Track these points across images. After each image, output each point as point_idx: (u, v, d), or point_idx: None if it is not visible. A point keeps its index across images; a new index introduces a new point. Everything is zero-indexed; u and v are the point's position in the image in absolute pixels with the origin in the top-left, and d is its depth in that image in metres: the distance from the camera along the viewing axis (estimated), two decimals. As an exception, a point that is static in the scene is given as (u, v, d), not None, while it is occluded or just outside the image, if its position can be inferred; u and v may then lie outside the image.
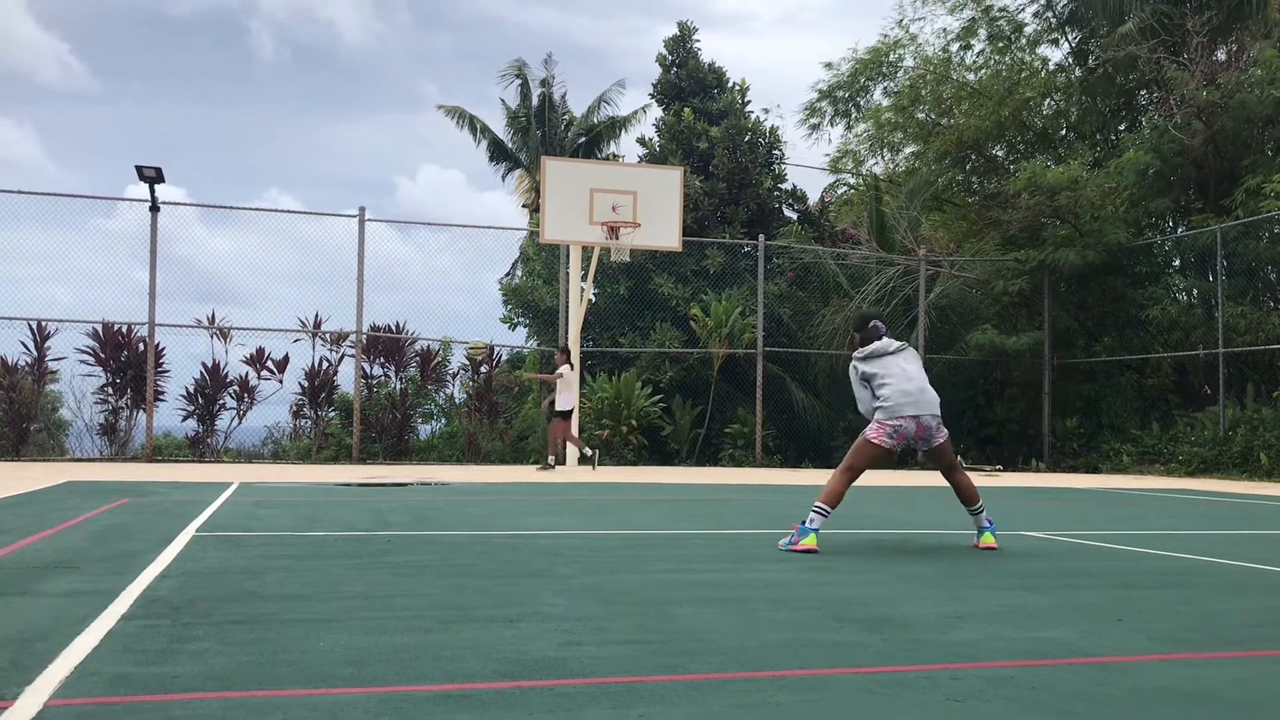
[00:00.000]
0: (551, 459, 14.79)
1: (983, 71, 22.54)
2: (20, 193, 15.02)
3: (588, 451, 14.92)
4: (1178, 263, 20.24)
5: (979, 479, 14.95)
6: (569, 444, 15.11)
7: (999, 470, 17.60)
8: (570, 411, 14.83)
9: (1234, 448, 16.02)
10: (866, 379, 5.82)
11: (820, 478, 14.34)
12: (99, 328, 15.86)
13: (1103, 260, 17.99)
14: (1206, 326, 17.60)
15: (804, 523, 5.53)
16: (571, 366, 14.96)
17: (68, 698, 2.45)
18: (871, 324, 6.01)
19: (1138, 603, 4.13)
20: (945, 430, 5.77)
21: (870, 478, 14.76)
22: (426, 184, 66.68)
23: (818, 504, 5.57)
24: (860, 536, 6.49)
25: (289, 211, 18.39)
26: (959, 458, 18.38)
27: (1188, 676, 2.89)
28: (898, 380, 5.70)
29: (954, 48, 22.66)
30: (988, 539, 5.81)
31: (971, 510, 5.85)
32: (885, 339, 5.92)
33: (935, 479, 14.55)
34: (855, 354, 5.95)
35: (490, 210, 66.84)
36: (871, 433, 5.68)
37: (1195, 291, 19.10)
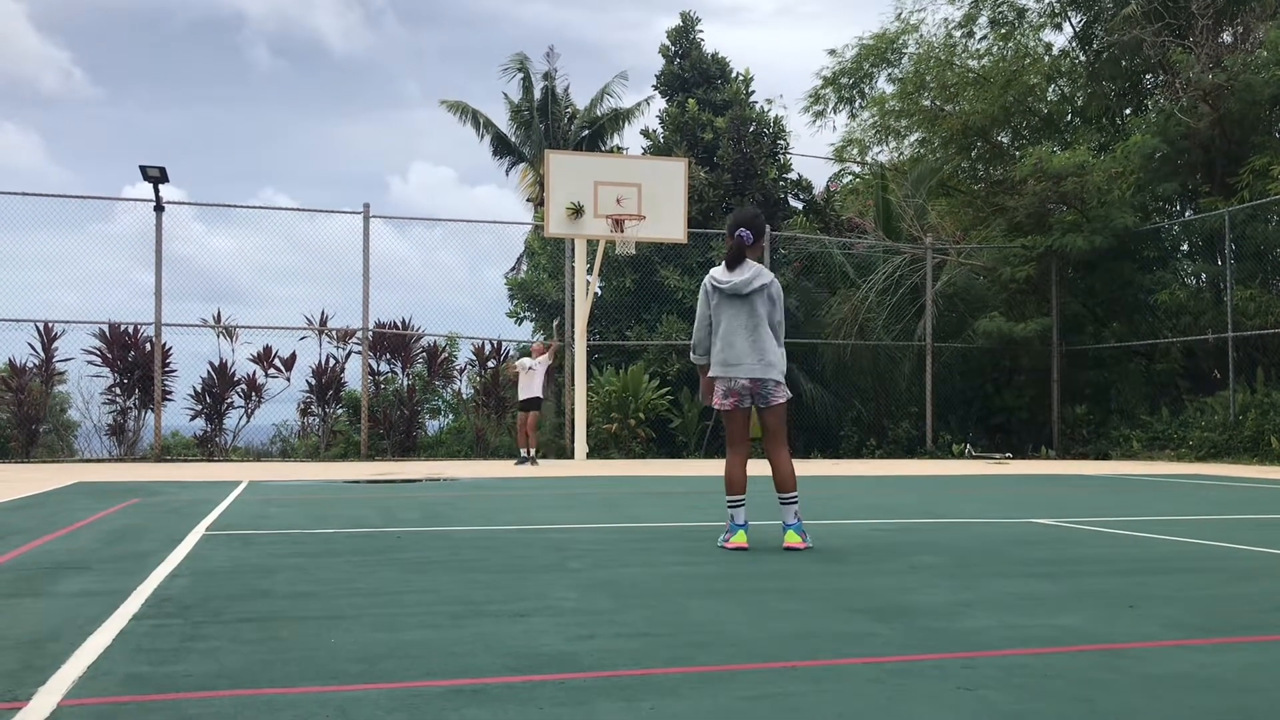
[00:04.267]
0: (523, 452, 14.43)
1: (986, 58, 22.45)
2: (26, 194, 15.07)
3: (524, 453, 14.43)
4: (1186, 247, 20.17)
5: (988, 467, 14.92)
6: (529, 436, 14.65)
7: (1009, 458, 17.57)
8: (529, 402, 14.42)
9: (1244, 432, 15.97)
10: (711, 311, 5.24)
11: (829, 468, 14.32)
12: (105, 328, 15.90)
13: (1110, 245, 17.92)
14: (1215, 310, 17.53)
15: (731, 520, 5.22)
16: (551, 357, 14.71)
17: (81, 698, 2.46)
18: (740, 233, 5.23)
19: (1149, 589, 4.12)
20: (785, 393, 5.23)
21: (878, 468, 14.75)
22: (418, 181, 66.76)
23: (729, 498, 5.22)
24: (868, 526, 6.48)
25: (293, 209, 18.43)
26: (968, 446, 18.38)
27: (1200, 662, 2.88)
28: (731, 332, 5.17)
29: (957, 34, 22.58)
30: (791, 538, 5.17)
31: (782, 499, 5.23)
32: (754, 268, 5.21)
33: (943, 469, 14.53)
34: (712, 276, 5.27)
35: (482, 205, 66.82)
36: (715, 399, 5.25)
37: (1204, 275, 19.03)
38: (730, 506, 5.25)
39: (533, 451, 14.46)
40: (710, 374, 5.29)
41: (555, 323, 15.32)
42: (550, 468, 13.84)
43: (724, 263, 5.30)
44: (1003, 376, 19.61)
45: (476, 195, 62.19)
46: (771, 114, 21.45)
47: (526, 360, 14.66)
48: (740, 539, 5.17)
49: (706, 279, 5.34)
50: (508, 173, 31.34)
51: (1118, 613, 3.60)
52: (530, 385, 14.37)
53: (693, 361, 5.52)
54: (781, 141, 21.48)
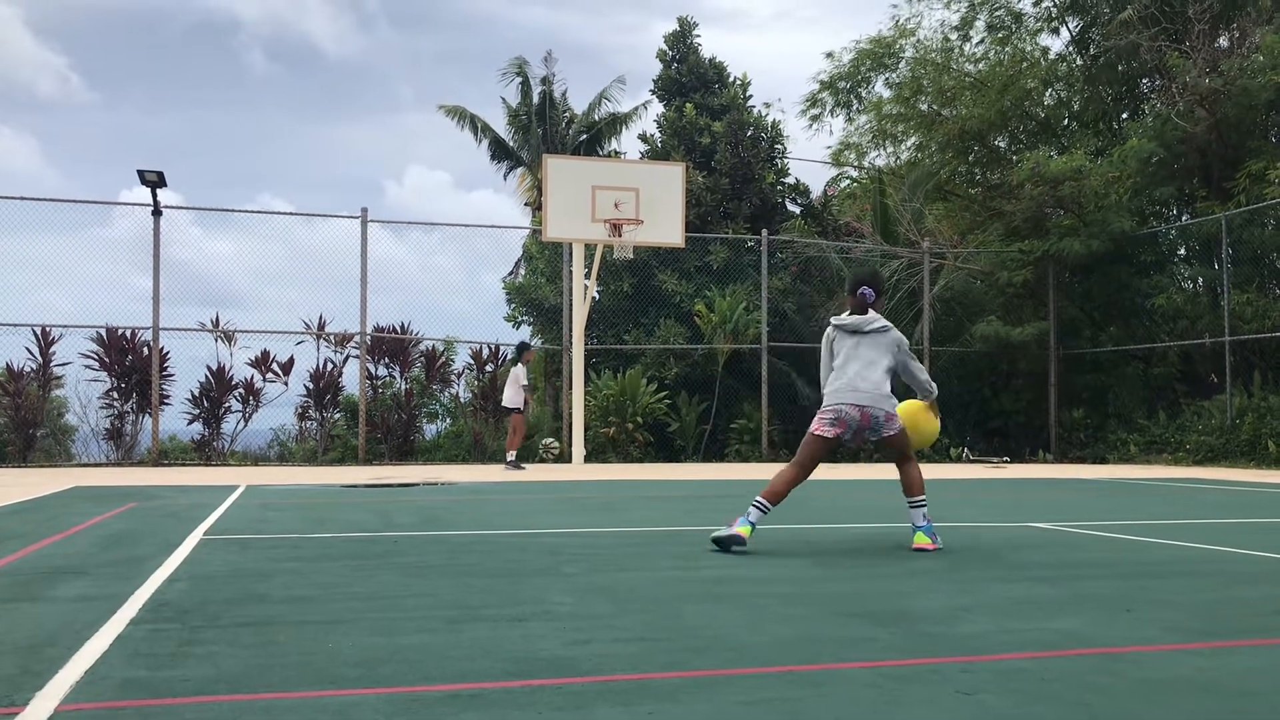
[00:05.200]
0: (511, 454, 14.37)
1: (983, 62, 22.49)
2: (24, 199, 15.05)
3: (510, 457, 14.38)
4: (1183, 251, 20.20)
5: (985, 471, 14.93)
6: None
7: (1006, 462, 17.58)
8: (511, 410, 14.40)
9: (1241, 436, 15.99)
10: (832, 350, 5.52)
11: (826, 472, 14.32)
12: (103, 332, 15.88)
13: (1107, 249, 17.94)
14: (1212, 314, 17.56)
15: (745, 515, 5.29)
16: (525, 364, 14.62)
17: (78, 702, 2.46)
18: (861, 290, 5.56)
19: (1147, 593, 4.12)
20: (899, 424, 5.43)
21: (875, 471, 14.75)
22: (414, 186, 66.85)
23: (758, 498, 5.31)
24: (866, 530, 6.48)
25: (291, 214, 18.43)
26: (965, 450, 18.40)
27: (1198, 666, 2.88)
28: (846, 364, 5.41)
29: (953, 38, 22.62)
30: (920, 539, 5.37)
31: (911, 503, 5.45)
32: (873, 314, 5.52)
33: (941, 473, 14.53)
34: (834, 319, 5.62)
35: (479, 209, 66.91)
36: (814, 424, 5.44)
37: (1200, 279, 19.06)
38: (756, 506, 5.29)
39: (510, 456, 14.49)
40: (824, 403, 5.46)
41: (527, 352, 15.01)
42: (547, 472, 13.83)
43: (846, 312, 5.64)
44: (1000, 380, 19.62)
45: (472, 200, 62.26)
46: (769, 118, 21.48)
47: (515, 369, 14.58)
48: (745, 530, 5.22)
49: (829, 327, 5.63)
50: (505, 177, 31.37)
51: (1116, 617, 3.60)
52: (512, 389, 14.45)
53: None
54: (779, 146, 21.50)
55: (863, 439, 5.47)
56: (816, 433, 5.40)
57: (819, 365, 5.69)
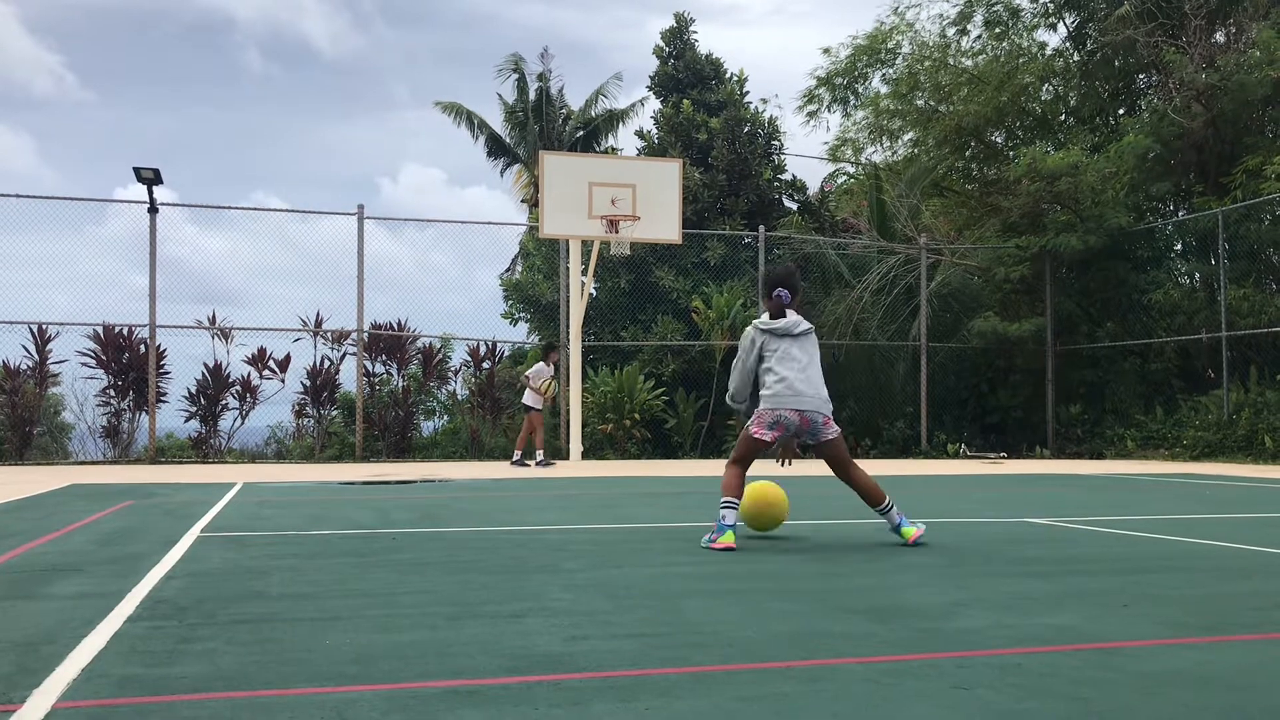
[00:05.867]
0: (539, 453, 14.44)
1: (980, 57, 22.49)
2: (20, 196, 15.03)
3: (517, 455, 14.41)
4: (1179, 246, 20.21)
5: (983, 467, 14.94)
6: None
7: (1003, 458, 17.60)
8: (530, 409, 14.41)
9: (1238, 431, 16.01)
10: (761, 356, 5.39)
11: (823, 469, 14.32)
12: (100, 330, 15.86)
13: (1104, 245, 17.96)
14: (1209, 310, 17.58)
15: (720, 520, 5.27)
16: (550, 364, 14.63)
17: (75, 700, 2.46)
18: (776, 292, 5.46)
19: (1143, 587, 4.13)
20: (836, 428, 5.40)
21: (873, 468, 14.75)
22: (408, 183, 66.88)
23: (726, 499, 5.29)
24: (863, 526, 6.49)
25: (288, 210, 18.41)
26: (963, 446, 18.42)
27: (1194, 660, 2.89)
28: (787, 368, 5.31)
29: (950, 33, 22.62)
30: (908, 532, 5.37)
31: (880, 510, 5.42)
32: (795, 316, 5.44)
33: (938, 469, 14.54)
34: (758, 322, 5.48)
35: (473, 206, 66.85)
36: (752, 426, 5.40)
37: (1197, 275, 19.07)
38: (723, 507, 5.30)
39: (520, 453, 14.51)
40: (761, 405, 5.38)
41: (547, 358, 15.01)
42: (545, 469, 13.83)
43: (766, 315, 5.53)
44: (997, 376, 19.63)
45: (467, 196, 62.24)
46: (766, 114, 21.48)
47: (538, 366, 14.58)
48: (729, 539, 5.21)
49: (750, 329, 5.51)
50: (502, 174, 31.36)
51: (1112, 612, 3.60)
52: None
53: (733, 407, 5.66)
54: (776, 142, 21.51)
55: (796, 443, 5.52)
56: (754, 435, 5.39)
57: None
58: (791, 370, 5.33)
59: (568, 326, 16.81)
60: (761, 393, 5.41)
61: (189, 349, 25.70)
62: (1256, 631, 3.31)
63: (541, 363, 14.63)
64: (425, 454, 17.10)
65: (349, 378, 17.13)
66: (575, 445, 16.01)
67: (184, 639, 3.13)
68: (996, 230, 19.66)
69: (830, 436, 5.38)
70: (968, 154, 22.51)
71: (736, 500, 5.34)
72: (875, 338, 18.97)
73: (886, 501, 5.44)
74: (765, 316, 5.53)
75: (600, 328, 19.64)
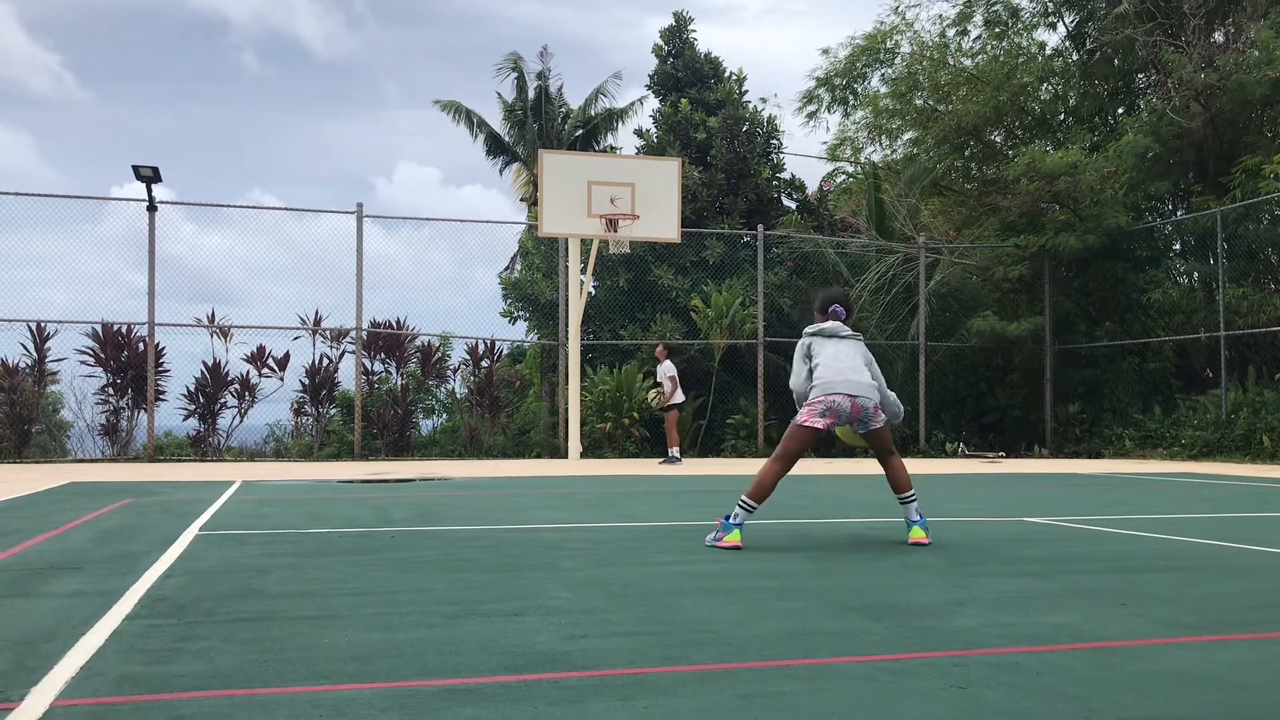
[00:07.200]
0: (673, 451, 15.04)
1: (980, 57, 22.49)
2: (19, 194, 15.02)
3: (673, 453, 15.06)
4: (1178, 246, 20.22)
5: (981, 466, 14.95)
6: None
7: (1001, 457, 17.60)
8: (673, 406, 15.13)
9: (1236, 430, 16.02)
10: (809, 355, 5.59)
11: (822, 467, 14.32)
12: (99, 328, 15.86)
13: (1103, 244, 17.96)
14: (1208, 309, 17.58)
15: (728, 517, 5.28)
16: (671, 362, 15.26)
17: (74, 698, 2.46)
18: (833, 308, 5.75)
19: (1141, 587, 4.13)
20: (884, 416, 5.54)
21: (871, 467, 14.76)
22: (403, 182, 66.91)
23: (743, 498, 5.29)
24: (860, 525, 6.49)
25: (287, 209, 18.35)
26: (961, 445, 18.43)
27: (1192, 659, 2.89)
28: (835, 360, 5.49)
29: (950, 33, 22.62)
30: (916, 533, 5.44)
31: (901, 499, 5.55)
32: (841, 324, 5.69)
33: (936, 468, 14.55)
34: (808, 329, 5.71)
35: (468, 205, 66.91)
36: (801, 416, 5.44)
37: (1196, 274, 19.08)
38: (742, 506, 5.27)
39: (675, 450, 15.07)
40: (812, 395, 5.45)
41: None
42: (543, 467, 13.84)
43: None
44: (996, 375, 19.64)
45: (462, 195, 62.26)
46: (765, 113, 21.47)
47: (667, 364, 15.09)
48: (735, 537, 5.21)
49: (802, 339, 5.69)
50: (501, 172, 31.35)
51: (1110, 611, 3.61)
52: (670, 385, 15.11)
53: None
54: (775, 141, 21.49)
55: (851, 428, 5.54)
56: (805, 424, 5.39)
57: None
58: (841, 362, 5.50)
59: (567, 325, 16.80)
60: (812, 385, 5.52)
61: (188, 347, 25.69)
62: (1254, 631, 3.31)
63: (668, 360, 15.25)
64: (424, 452, 17.10)
65: (348, 376, 17.14)
66: (574, 444, 16.01)
67: (182, 637, 3.13)
68: (995, 229, 19.66)
69: (879, 424, 5.51)
70: (967, 153, 22.52)
71: (757, 505, 5.31)
72: (874, 336, 18.96)
73: (911, 493, 5.55)
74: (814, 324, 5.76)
75: (599, 326, 19.63)
